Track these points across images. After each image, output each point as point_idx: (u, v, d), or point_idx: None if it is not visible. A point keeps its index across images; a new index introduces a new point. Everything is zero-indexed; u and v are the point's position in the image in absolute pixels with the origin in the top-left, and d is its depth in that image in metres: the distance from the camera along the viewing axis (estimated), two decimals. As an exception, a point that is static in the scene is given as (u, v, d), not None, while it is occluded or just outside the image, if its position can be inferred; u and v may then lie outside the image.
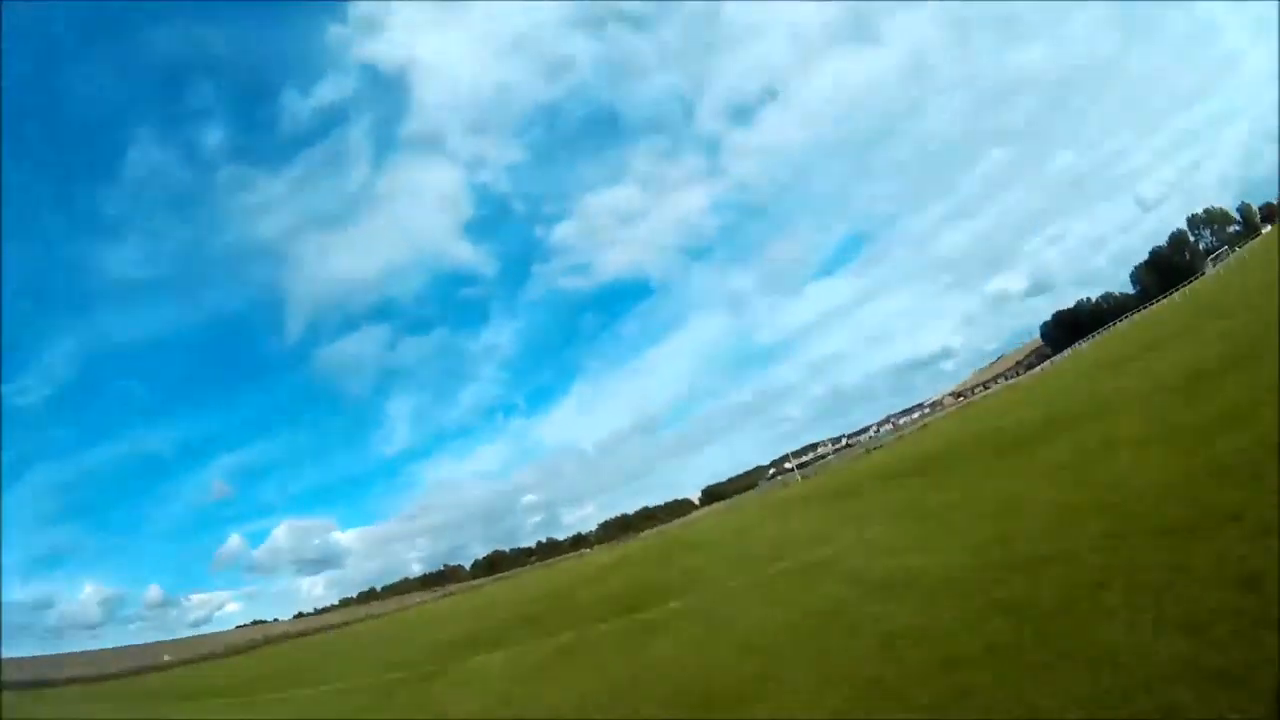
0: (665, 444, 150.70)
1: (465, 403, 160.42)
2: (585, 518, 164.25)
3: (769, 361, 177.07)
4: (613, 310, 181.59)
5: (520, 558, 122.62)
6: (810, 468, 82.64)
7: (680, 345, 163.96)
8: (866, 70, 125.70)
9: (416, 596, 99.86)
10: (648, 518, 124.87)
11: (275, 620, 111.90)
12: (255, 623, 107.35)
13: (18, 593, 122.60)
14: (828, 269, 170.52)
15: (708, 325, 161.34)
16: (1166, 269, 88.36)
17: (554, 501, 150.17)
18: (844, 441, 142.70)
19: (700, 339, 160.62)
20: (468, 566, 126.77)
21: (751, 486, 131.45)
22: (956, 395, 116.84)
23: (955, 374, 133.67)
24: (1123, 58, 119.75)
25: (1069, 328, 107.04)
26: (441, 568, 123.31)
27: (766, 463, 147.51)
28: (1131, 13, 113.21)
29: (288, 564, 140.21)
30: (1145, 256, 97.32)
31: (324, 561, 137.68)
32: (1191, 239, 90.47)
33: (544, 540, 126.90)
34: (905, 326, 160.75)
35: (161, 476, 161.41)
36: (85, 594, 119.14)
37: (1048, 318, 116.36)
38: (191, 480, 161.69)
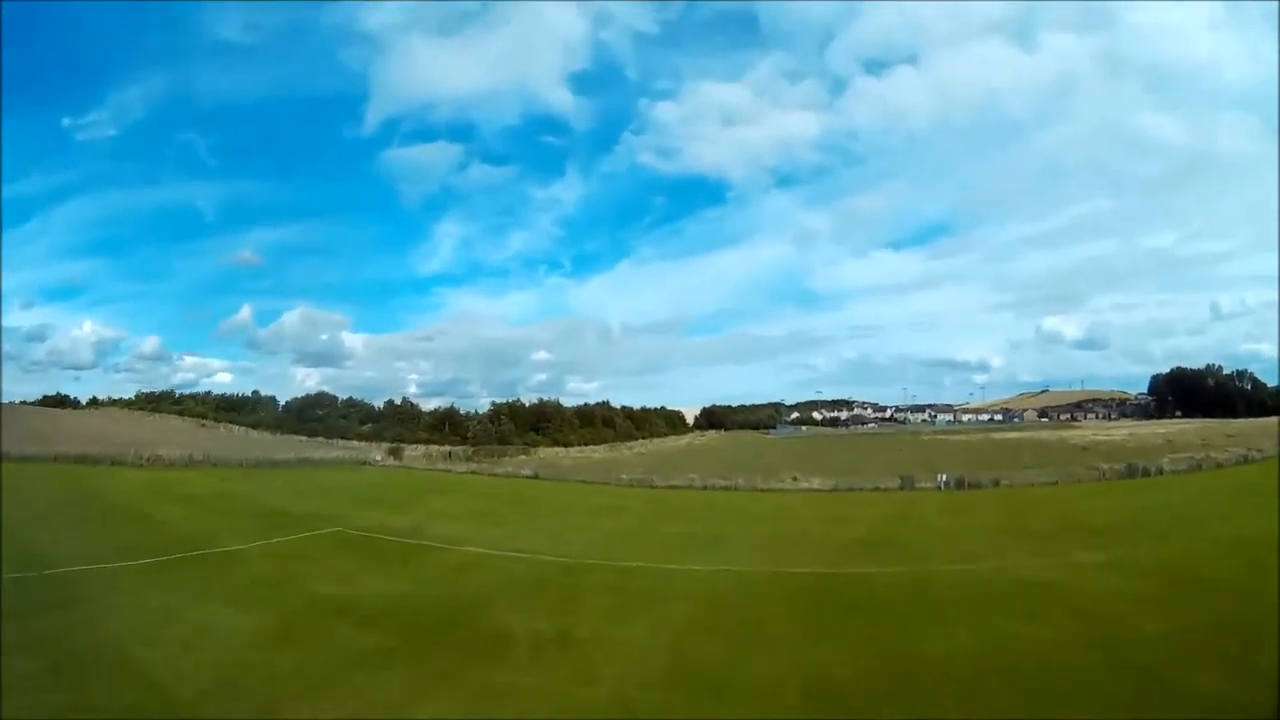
0: (687, 348, 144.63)
1: (513, 245, 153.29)
2: (588, 392, 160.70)
3: (813, 308, 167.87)
4: (684, 204, 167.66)
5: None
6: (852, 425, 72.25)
7: (734, 260, 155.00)
8: (1012, 74, 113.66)
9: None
10: (631, 417, 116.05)
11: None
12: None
13: (16, 318, 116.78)
14: (899, 244, 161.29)
15: (768, 252, 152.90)
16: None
17: (564, 365, 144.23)
18: (890, 414, 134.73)
19: (756, 262, 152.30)
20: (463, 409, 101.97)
21: (762, 424, 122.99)
22: (1040, 413, 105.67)
23: (983, 390, 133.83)
24: (1262, 169, 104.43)
25: (1187, 392, 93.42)
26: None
27: (788, 402, 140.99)
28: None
29: (289, 350, 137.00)
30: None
31: (324, 356, 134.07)
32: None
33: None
34: (952, 326, 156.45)
35: (195, 233, 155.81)
36: (82, 331, 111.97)
37: (1104, 368, 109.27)
38: (223, 243, 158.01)
